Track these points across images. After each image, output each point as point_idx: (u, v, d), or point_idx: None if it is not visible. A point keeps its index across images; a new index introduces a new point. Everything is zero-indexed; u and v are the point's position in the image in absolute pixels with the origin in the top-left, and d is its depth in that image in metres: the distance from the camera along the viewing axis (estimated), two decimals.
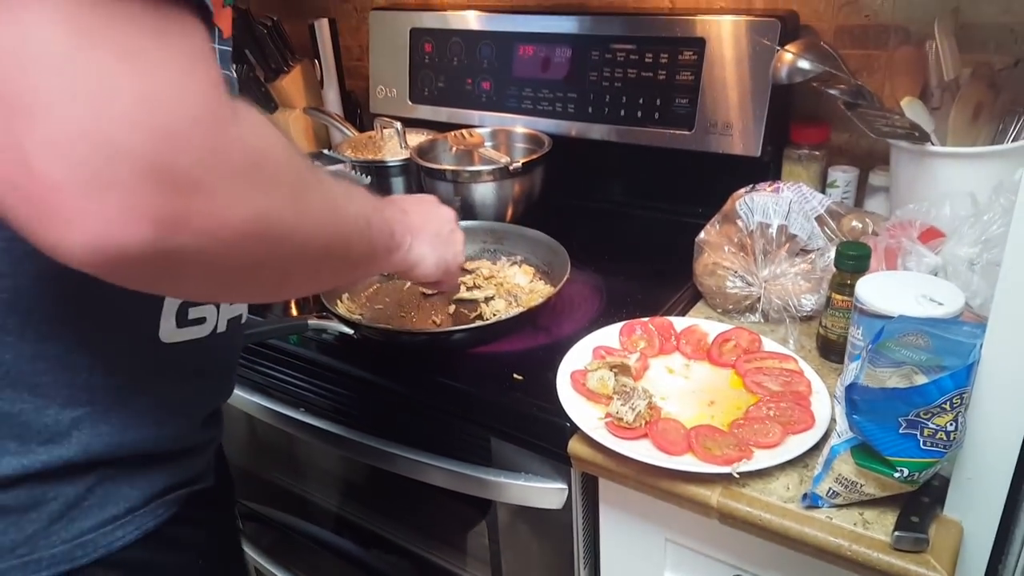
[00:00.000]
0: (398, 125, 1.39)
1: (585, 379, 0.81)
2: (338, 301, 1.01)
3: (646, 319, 0.92)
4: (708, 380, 0.84)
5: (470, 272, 1.11)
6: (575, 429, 0.76)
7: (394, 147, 1.41)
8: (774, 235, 0.94)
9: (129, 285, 0.40)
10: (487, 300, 1.03)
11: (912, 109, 0.96)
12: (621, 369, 0.82)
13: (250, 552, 1.34)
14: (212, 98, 0.37)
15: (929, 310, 0.71)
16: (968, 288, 0.77)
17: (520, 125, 1.36)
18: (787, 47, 1.03)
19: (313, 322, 0.97)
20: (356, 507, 1.19)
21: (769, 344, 0.87)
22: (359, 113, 1.70)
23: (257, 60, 1.58)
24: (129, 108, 0.34)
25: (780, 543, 0.66)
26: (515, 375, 0.86)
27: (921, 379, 0.60)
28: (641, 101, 1.23)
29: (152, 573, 0.59)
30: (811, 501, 0.66)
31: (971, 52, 1.00)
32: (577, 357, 0.86)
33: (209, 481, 0.67)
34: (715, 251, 0.96)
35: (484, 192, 1.21)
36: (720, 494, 0.68)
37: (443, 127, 1.44)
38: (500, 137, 1.37)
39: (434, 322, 1.00)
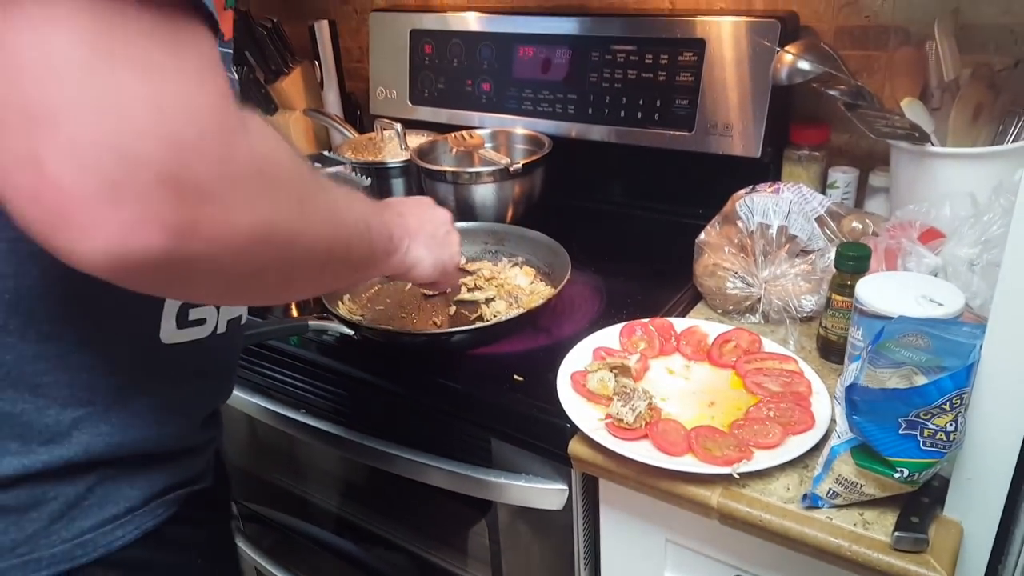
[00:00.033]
0: (398, 126, 1.40)
1: (585, 380, 0.81)
2: (339, 302, 1.01)
3: (646, 320, 0.92)
4: (708, 381, 0.84)
5: (471, 273, 1.11)
6: (575, 430, 0.76)
7: (394, 148, 1.41)
8: (774, 236, 0.94)
9: (140, 289, 0.41)
10: (488, 301, 1.03)
11: (912, 110, 0.96)
12: (621, 370, 0.82)
13: (251, 553, 1.34)
14: (222, 108, 0.39)
15: (929, 311, 0.71)
16: (968, 289, 0.77)
17: (520, 126, 1.36)
18: (787, 48, 1.03)
19: (313, 323, 0.97)
20: (357, 508, 1.19)
21: (769, 345, 0.87)
22: (359, 114, 1.70)
23: (257, 62, 1.58)
24: (145, 119, 0.35)
25: (780, 543, 0.66)
26: (515, 376, 0.87)
27: (921, 380, 0.60)
28: (641, 102, 1.24)
29: (151, 572, 0.60)
30: (811, 501, 0.66)
31: (971, 53, 1.00)
32: (577, 358, 0.86)
33: (208, 481, 0.67)
34: (715, 252, 0.96)
35: (484, 193, 1.21)
36: (720, 495, 0.68)
37: (443, 128, 1.44)
38: (500, 138, 1.37)
39: (435, 323, 1.01)
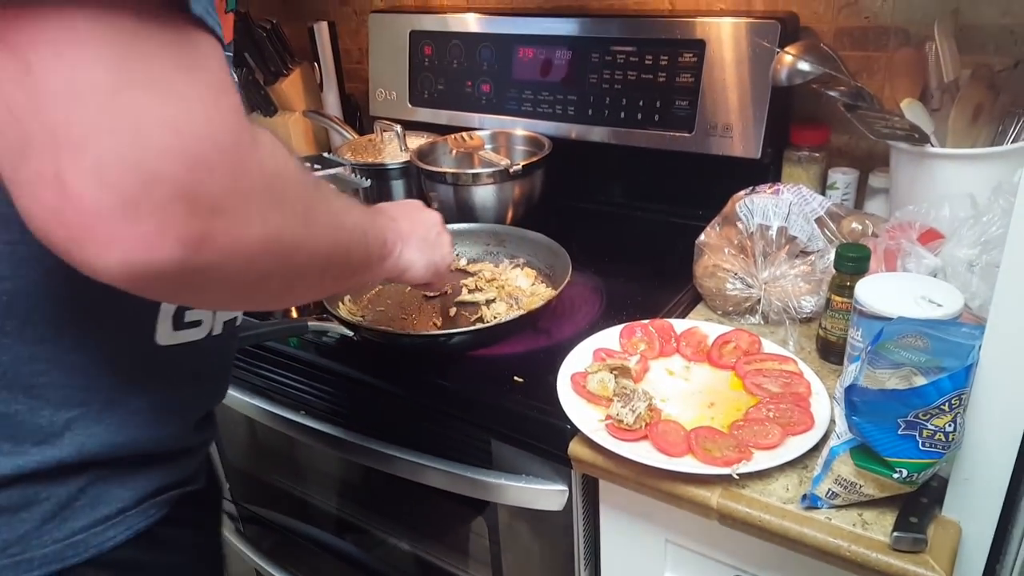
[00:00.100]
0: (398, 128, 1.40)
1: (585, 381, 0.82)
2: (340, 303, 1.01)
3: (646, 321, 0.92)
4: (708, 382, 0.84)
5: (472, 275, 1.11)
6: (575, 431, 0.76)
7: (394, 150, 1.41)
8: (774, 237, 0.94)
9: (153, 297, 0.43)
10: (488, 303, 1.03)
11: (912, 111, 0.97)
12: (621, 371, 0.82)
13: (251, 555, 1.35)
14: (235, 125, 0.41)
15: (928, 311, 0.71)
16: (967, 289, 0.77)
17: (520, 128, 1.36)
18: (787, 49, 1.03)
19: (313, 324, 0.97)
20: (357, 509, 1.19)
21: (769, 346, 0.87)
22: (359, 116, 1.71)
23: (256, 63, 1.58)
24: (163, 139, 0.37)
25: (780, 544, 0.67)
26: (515, 377, 0.87)
27: (920, 380, 0.60)
28: (641, 103, 1.24)
29: (142, 573, 0.60)
30: (810, 502, 0.66)
31: (971, 54, 1.00)
32: (577, 359, 0.86)
33: (201, 483, 0.67)
34: (715, 253, 0.96)
35: (484, 195, 1.22)
36: (720, 495, 0.68)
37: (443, 130, 1.44)
38: (500, 140, 1.37)
39: (435, 324, 1.01)
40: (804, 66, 1.01)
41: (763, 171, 1.17)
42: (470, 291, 1.07)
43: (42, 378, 0.52)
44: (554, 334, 0.97)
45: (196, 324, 0.61)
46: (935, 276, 0.80)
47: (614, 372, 0.81)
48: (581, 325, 0.98)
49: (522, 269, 1.11)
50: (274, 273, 0.47)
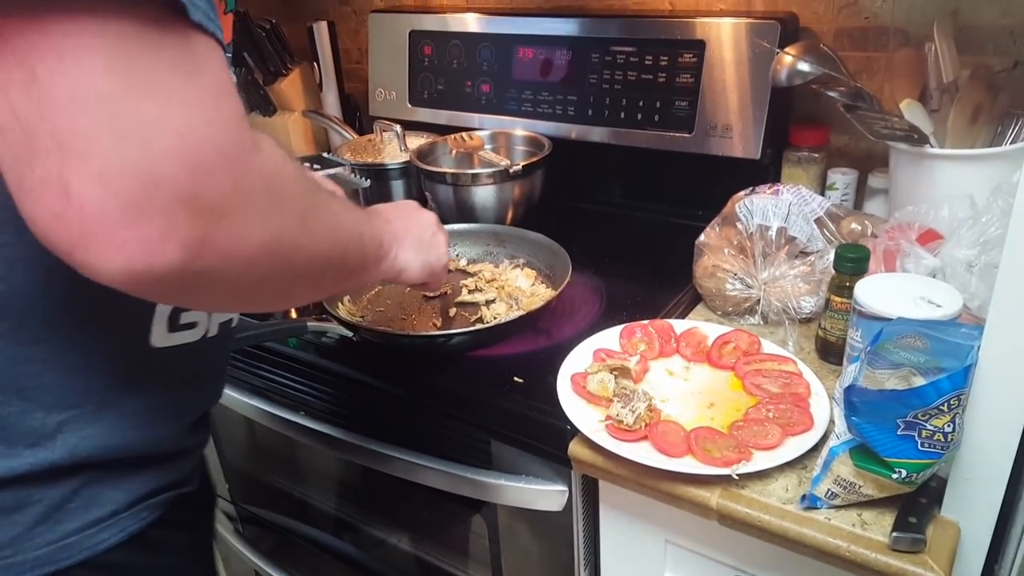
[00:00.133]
0: (397, 128, 1.40)
1: (585, 382, 0.82)
2: (339, 303, 1.02)
3: (646, 321, 0.92)
4: (708, 382, 0.84)
5: (472, 275, 1.11)
6: (575, 431, 0.77)
7: (394, 150, 1.41)
8: (773, 237, 0.95)
9: (154, 299, 0.44)
10: (488, 303, 1.03)
11: (911, 111, 0.97)
12: (621, 372, 0.82)
13: (250, 555, 1.35)
14: (237, 131, 0.41)
15: (927, 312, 0.71)
16: (966, 290, 0.77)
17: (520, 128, 1.36)
18: (787, 49, 1.03)
19: (312, 324, 0.97)
20: (356, 510, 1.19)
21: (768, 346, 0.87)
22: (358, 116, 1.70)
23: (256, 63, 1.58)
24: (166, 145, 0.38)
25: (779, 544, 0.67)
26: (515, 378, 0.87)
27: (919, 381, 0.60)
28: (641, 103, 1.24)
29: (135, 575, 0.59)
30: (810, 502, 0.66)
31: (970, 54, 1.00)
32: (577, 360, 0.86)
33: (194, 485, 0.67)
34: (715, 253, 0.96)
35: (484, 195, 1.22)
36: (719, 496, 0.69)
37: (443, 130, 1.44)
38: (500, 140, 1.37)
39: (435, 325, 1.01)
40: (804, 66, 1.01)
41: (763, 171, 1.17)
42: (470, 291, 1.07)
43: (35, 380, 0.52)
44: (554, 334, 0.97)
45: (191, 326, 0.61)
46: (934, 277, 0.80)
47: (614, 372, 0.81)
48: (581, 325, 0.98)
49: (522, 269, 1.11)
50: (273, 275, 0.47)
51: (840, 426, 0.66)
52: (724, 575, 0.77)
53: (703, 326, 0.91)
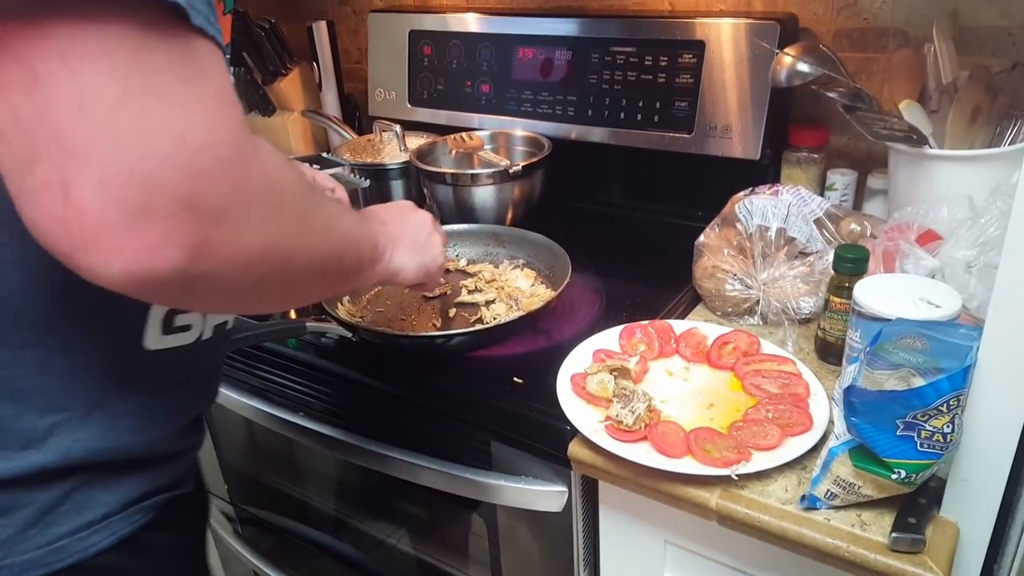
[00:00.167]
0: (397, 128, 1.39)
1: (585, 382, 0.82)
2: (339, 304, 1.01)
3: (646, 322, 0.92)
4: (707, 383, 0.84)
5: (472, 276, 1.11)
6: (575, 432, 0.77)
7: (393, 150, 1.41)
8: (773, 238, 0.95)
9: (153, 301, 0.44)
10: (488, 303, 1.03)
11: (910, 112, 0.97)
12: (621, 372, 0.82)
13: (249, 556, 1.35)
14: (237, 136, 0.41)
15: (926, 312, 0.71)
16: (965, 290, 0.77)
17: (520, 128, 1.36)
18: (786, 50, 1.03)
19: (311, 325, 0.97)
20: (355, 510, 1.19)
21: (768, 347, 0.87)
22: (358, 116, 1.70)
23: (255, 62, 1.58)
24: (168, 150, 0.38)
25: (778, 544, 0.67)
26: (515, 378, 0.87)
27: (918, 381, 0.60)
28: (641, 104, 1.24)
29: None
30: (809, 503, 0.66)
31: (969, 55, 1.00)
32: (577, 360, 0.86)
33: (188, 487, 0.66)
34: (714, 254, 0.96)
35: (484, 195, 1.22)
36: (719, 496, 0.69)
37: (442, 130, 1.44)
38: (500, 140, 1.37)
39: (434, 325, 1.01)
40: (803, 67, 1.01)
41: (762, 172, 1.17)
42: (470, 292, 1.07)
43: (27, 382, 0.52)
44: (554, 335, 0.97)
45: (186, 328, 0.61)
46: (933, 277, 0.80)
47: (614, 373, 0.81)
48: (581, 326, 0.98)
49: (522, 270, 1.11)
50: (271, 279, 0.48)
51: (839, 427, 0.66)
52: (723, 575, 0.77)
53: (703, 326, 0.91)
